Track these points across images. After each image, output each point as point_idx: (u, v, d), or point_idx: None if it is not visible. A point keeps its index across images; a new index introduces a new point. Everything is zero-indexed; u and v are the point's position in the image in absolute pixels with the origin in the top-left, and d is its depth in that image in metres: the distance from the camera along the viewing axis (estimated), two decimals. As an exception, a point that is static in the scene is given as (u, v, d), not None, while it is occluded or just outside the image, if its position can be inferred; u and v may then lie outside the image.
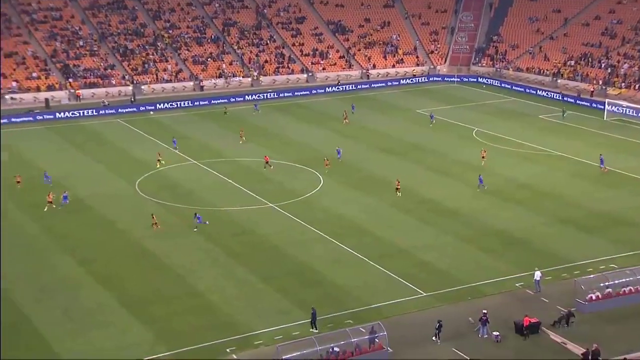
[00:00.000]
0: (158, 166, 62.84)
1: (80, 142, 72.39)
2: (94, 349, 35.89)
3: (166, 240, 48.49)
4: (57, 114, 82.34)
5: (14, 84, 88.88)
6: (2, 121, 78.95)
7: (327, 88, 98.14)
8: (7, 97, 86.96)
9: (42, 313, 39.03)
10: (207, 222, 50.29)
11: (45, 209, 52.83)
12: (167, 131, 76.30)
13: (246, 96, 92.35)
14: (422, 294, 41.79)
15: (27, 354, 35.59)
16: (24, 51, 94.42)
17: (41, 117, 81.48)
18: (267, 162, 63.34)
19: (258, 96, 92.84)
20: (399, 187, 56.59)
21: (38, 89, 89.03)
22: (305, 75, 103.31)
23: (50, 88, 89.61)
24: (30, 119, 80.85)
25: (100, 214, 52.85)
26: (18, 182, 57.71)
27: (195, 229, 49.62)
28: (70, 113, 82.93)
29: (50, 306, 39.81)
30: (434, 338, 36.83)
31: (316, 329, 37.37)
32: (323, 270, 44.48)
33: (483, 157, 64.66)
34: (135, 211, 53.49)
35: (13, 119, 79.99)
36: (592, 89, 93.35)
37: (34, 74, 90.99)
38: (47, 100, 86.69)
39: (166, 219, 51.83)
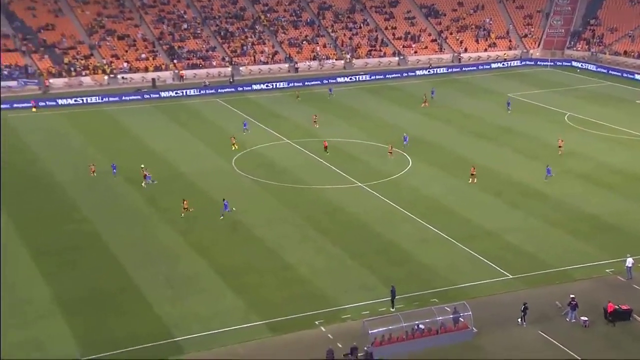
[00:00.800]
0: (233, 149, 62.14)
1: (183, 120, 74.28)
2: (190, 314, 36.89)
3: (259, 215, 49.13)
4: (162, 93, 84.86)
5: (125, 64, 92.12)
6: (114, 99, 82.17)
7: (418, 71, 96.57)
8: (119, 76, 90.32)
9: (146, 278, 40.45)
10: (234, 209, 48.60)
11: (144, 184, 53.77)
12: (264, 111, 77.24)
13: (338, 78, 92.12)
14: (508, 276, 40.63)
15: (132, 315, 37.04)
16: (135, 34, 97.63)
17: (148, 96, 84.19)
18: (325, 148, 61.99)
19: (350, 78, 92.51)
20: (474, 173, 54.80)
21: (146, 70, 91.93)
22: (397, 58, 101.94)
23: (157, 69, 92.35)
24: (139, 97, 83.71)
25: (198, 188, 54.09)
26: (93, 171, 55.92)
27: (222, 217, 48.09)
28: (174, 92, 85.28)
29: (154, 272, 41.19)
30: (519, 320, 35.77)
31: (392, 308, 36.93)
32: (410, 249, 43.97)
33: (560, 147, 61.71)
34: (232, 187, 54.47)
35: (124, 97, 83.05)
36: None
37: (143, 55, 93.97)
38: (153, 80, 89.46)
39: (260, 196, 52.56)
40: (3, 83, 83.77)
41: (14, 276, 40.62)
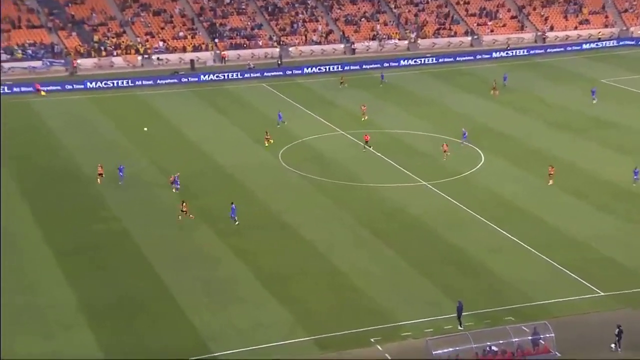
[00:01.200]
0: (266, 144, 61.50)
1: (224, 106, 74.86)
2: (229, 325, 37.01)
3: (308, 215, 49.07)
4: (202, 77, 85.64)
5: (161, 43, 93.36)
6: (148, 82, 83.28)
7: (494, 53, 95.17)
8: (153, 57, 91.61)
9: (181, 284, 40.74)
10: (236, 219, 47.47)
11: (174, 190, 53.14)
12: (315, 97, 77.25)
13: (401, 61, 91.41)
14: (598, 293, 39.66)
15: (165, 325, 37.26)
16: (172, 9, 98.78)
17: (186, 80, 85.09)
18: (366, 142, 60.77)
19: (414, 61, 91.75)
20: (552, 173, 53.39)
21: (184, 50, 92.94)
22: (469, 39, 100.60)
23: (196, 49, 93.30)
24: (175, 80, 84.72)
25: (240, 184, 54.36)
26: (100, 174, 54.11)
27: (237, 223, 47.41)
28: (215, 76, 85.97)
29: (189, 276, 41.51)
30: (612, 345, 34.87)
31: (460, 326, 36.41)
32: (480, 257, 43.30)
33: None
34: (277, 183, 54.58)
35: (159, 81, 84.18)
36: None
37: (181, 34, 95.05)
38: (192, 61, 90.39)
39: (309, 193, 52.55)
40: (27, 63, 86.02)
41: (36, 278, 41.47)
